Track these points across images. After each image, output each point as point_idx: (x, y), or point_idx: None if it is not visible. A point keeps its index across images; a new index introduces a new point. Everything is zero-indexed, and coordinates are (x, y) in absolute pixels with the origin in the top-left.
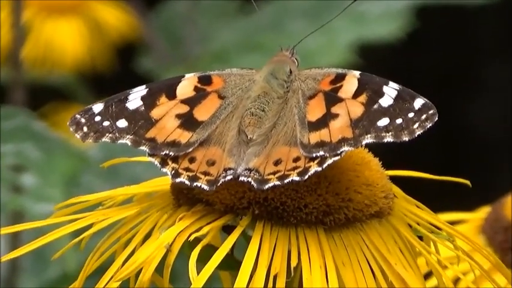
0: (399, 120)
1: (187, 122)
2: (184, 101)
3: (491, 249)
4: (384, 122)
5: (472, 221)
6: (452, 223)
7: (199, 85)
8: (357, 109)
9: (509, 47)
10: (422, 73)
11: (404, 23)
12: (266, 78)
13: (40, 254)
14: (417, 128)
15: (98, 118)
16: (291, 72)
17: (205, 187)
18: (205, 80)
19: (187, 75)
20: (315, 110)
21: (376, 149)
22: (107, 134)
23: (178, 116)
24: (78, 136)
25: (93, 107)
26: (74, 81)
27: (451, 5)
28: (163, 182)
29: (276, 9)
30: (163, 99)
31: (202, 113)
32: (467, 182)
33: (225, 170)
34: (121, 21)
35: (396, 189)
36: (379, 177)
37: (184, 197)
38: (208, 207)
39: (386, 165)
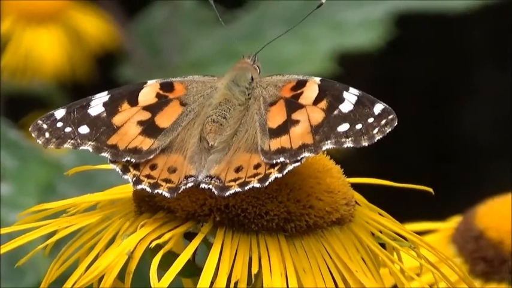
0: (359, 126)
1: (149, 128)
2: (146, 108)
3: (462, 259)
4: (343, 127)
5: (443, 230)
6: (423, 233)
7: (161, 92)
8: (317, 115)
9: (499, 51)
10: (412, 80)
11: (383, 32)
12: (228, 86)
13: (16, 263)
14: (377, 133)
15: (59, 124)
16: (252, 79)
17: (166, 194)
18: (167, 87)
19: (149, 82)
20: (276, 116)
21: (365, 153)
22: (69, 140)
23: (139, 123)
24: (40, 142)
25: (55, 112)
26: (53, 90)
27: (430, 13)
28: (126, 190)
29: (255, 18)
30: (125, 105)
31: (163, 120)
32: (430, 190)
33: (186, 177)
34: (101, 30)
35: (359, 197)
36: (341, 184)
37: (146, 204)
38: (170, 214)
39: (374, 171)
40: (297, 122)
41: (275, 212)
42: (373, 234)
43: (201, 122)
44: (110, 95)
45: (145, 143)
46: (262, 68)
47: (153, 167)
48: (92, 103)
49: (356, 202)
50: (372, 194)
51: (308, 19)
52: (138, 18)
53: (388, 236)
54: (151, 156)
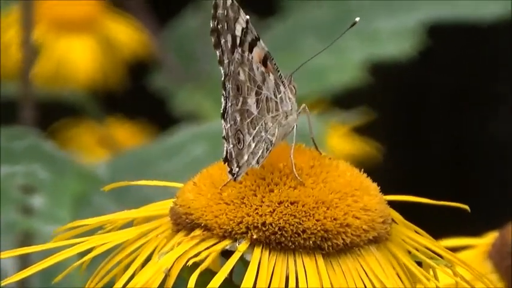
0: None
1: None
2: None
3: (498, 276)
4: None
5: (479, 246)
6: (459, 249)
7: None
8: None
9: None
10: (439, 89)
11: (416, 42)
12: None
13: (49, 275)
14: None
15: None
16: None
17: None
18: (265, 63)
19: (262, 41)
20: None
21: (393, 161)
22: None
23: None
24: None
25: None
26: (85, 98)
27: (464, 22)
28: (162, 207)
29: (288, 27)
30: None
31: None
32: (467, 207)
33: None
34: (133, 38)
35: (395, 215)
36: (378, 202)
37: (182, 222)
38: (207, 232)
39: (401, 179)
40: None
41: (312, 230)
42: (409, 252)
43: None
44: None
45: None
46: (294, 77)
47: None
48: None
49: (393, 220)
50: (399, 205)
51: (340, 29)
52: (170, 26)
53: (424, 254)
54: None
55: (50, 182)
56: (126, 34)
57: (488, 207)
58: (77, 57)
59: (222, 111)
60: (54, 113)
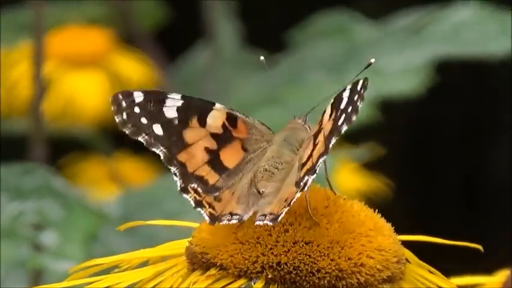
0: (349, 109)
1: (215, 162)
2: (213, 135)
3: None
4: (341, 119)
5: (490, 284)
6: (471, 287)
7: (226, 123)
8: (328, 126)
9: None
10: (447, 125)
11: (424, 79)
12: (281, 143)
13: None
14: (359, 101)
15: (137, 109)
16: (302, 141)
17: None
18: (232, 121)
19: (217, 105)
20: (306, 151)
21: (401, 195)
22: (143, 135)
23: (207, 150)
24: (116, 120)
25: (134, 93)
26: (94, 132)
27: (470, 60)
28: (178, 246)
29: (295, 62)
30: (195, 122)
31: (227, 158)
32: (479, 247)
33: (231, 214)
34: (142, 74)
35: (409, 255)
36: (392, 242)
37: (198, 261)
38: (222, 272)
39: (410, 212)
40: (317, 144)
41: (327, 270)
42: None
43: (255, 169)
44: (183, 101)
45: (212, 177)
46: (303, 113)
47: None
48: (168, 101)
49: (407, 259)
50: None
51: (348, 63)
52: (179, 62)
53: None
54: (217, 194)
55: (60, 218)
56: (135, 69)
57: (499, 244)
58: (86, 92)
59: None
60: (63, 148)
